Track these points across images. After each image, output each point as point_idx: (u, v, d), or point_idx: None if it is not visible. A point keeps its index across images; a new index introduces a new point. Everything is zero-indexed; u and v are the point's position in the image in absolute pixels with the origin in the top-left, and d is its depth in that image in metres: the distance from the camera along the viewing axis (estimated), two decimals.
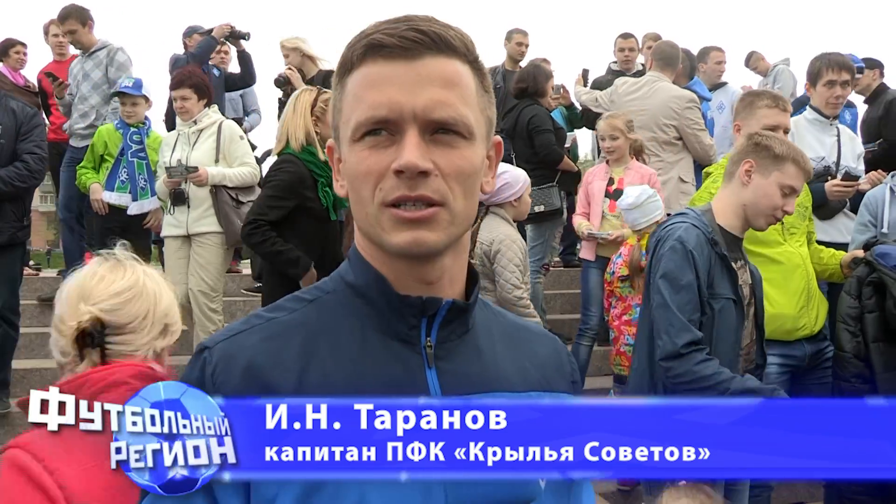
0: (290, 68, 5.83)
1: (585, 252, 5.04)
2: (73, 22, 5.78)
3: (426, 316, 0.95)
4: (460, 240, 0.96)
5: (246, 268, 7.09)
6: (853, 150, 4.25)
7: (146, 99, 5.29)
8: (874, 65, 6.13)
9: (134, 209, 5.21)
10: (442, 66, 0.90)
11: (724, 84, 6.75)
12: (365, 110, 0.89)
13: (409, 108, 0.88)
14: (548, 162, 5.61)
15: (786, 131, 3.28)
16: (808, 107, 4.21)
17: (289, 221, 3.67)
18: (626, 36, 7.03)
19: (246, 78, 7.00)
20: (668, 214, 3.68)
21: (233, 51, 6.96)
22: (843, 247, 3.68)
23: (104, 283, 1.57)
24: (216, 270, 4.86)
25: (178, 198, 4.67)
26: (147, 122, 5.35)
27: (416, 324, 0.95)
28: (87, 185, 5.29)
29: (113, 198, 5.20)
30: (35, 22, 6.66)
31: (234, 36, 6.62)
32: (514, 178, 3.78)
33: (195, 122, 4.80)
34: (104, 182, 5.22)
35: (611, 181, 4.83)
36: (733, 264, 2.59)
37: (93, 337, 1.52)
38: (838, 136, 4.14)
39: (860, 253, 3.23)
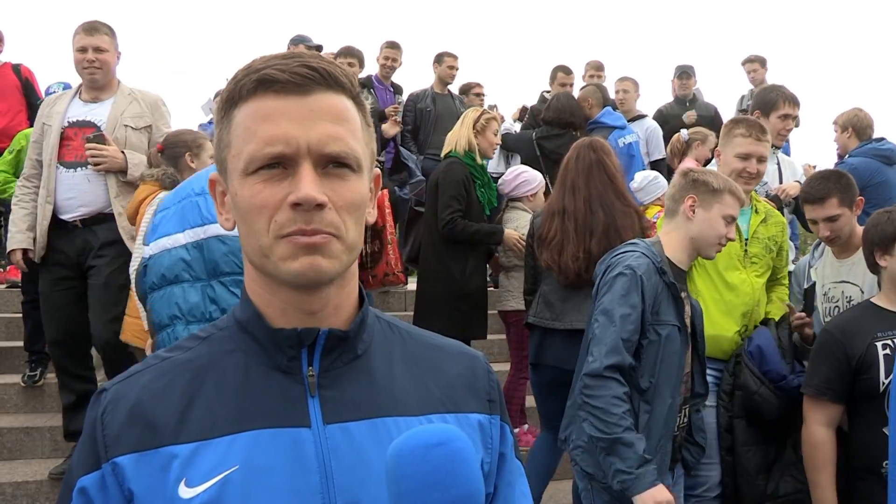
0: None
1: None
2: None
3: (305, 346, 0.96)
4: (348, 269, 0.97)
5: None
6: (793, 174, 4.43)
7: None
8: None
9: None
10: (332, 101, 0.93)
11: (644, 116, 7.04)
12: (260, 145, 0.90)
13: (303, 143, 0.89)
14: None
15: (760, 160, 3.31)
16: None
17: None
18: (567, 71, 7.21)
19: None
20: None
21: None
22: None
23: None
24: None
25: None
26: None
27: (295, 355, 0.95)
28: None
29: None
30: None
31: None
32: (531, 176, 4.83)
33: None
34: None
35: None
36: (680, 293, 2.67)
37: None
38: (778, 163, 4.32)
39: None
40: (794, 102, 4.22)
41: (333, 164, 0.92)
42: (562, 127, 5.75)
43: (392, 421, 0.96)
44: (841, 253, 3.32)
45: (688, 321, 2.73)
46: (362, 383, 0.98)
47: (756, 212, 3.42)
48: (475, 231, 4.37)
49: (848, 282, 3.26)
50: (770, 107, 4.20)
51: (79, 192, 4.00)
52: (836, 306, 3.26)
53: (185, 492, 0.88)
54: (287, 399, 0.94)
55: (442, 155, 4.68)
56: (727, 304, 3.19)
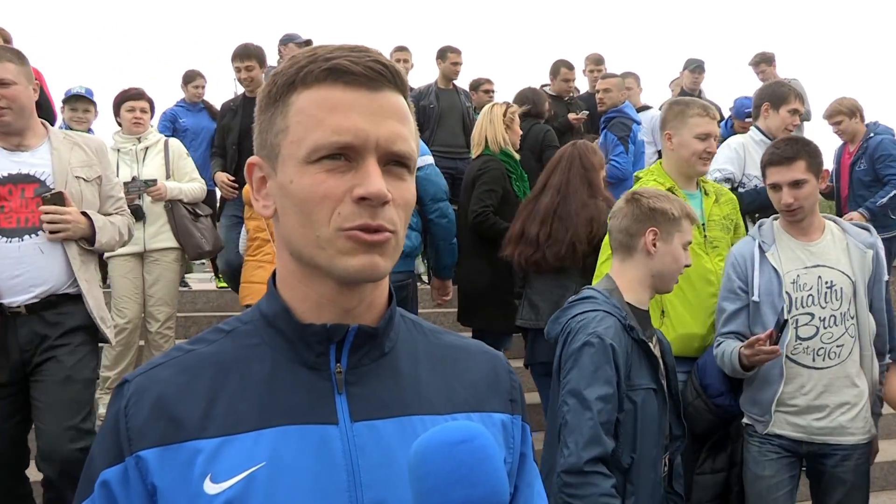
0: None
1: None
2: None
3: (334, 342, 0.95)
4: None
5: (196, 284, 6.95)
6: None
7: (95, 108, 5.23)
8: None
9: None
10: (397, 100, 0.93)
11: (649, 108, 7.08)
12: (328, 133, 0.89)
13: (373, 137, 0.89)
14: None
15: (715, 138, 3.27)
16: (754, 128, 4.38)
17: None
18: (570, 66, 7.18)
19: None
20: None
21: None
22: None
23: None
24: (174, 287, 4.76)
25: (135, 214, 4.28)
26: (90, 133, 5.22)
27: (323, 351, 0.95)
28: None
29: None
30: None
31: None
32: None
33: (139, 140, 4.76)
34: None
35: None
36: (651, 347, 2.37)
37: None
38: None
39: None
40: (801, 98, 4.34)
41: (394, 162, 0.92)
42: (527, 117, 5.79)
43: (419, 419, 0.96)
44: (803, 235, 2.97)
45: (663, 381, 2.41)
46: (389, 381, 0.98)
47: (706, 194, 3.34)
48: (504, 229, 4.35)
49: (825, 266, 2.90)
50: (781, 100, 4.26)
51: (30, 269, 2.96)
52: (811, 294, 2.89)
53: (210, 487, 0.88)
54: (314, 395, 0.93)
55: (474, 154, 4.69)
56: (693, 300, 3.08)
